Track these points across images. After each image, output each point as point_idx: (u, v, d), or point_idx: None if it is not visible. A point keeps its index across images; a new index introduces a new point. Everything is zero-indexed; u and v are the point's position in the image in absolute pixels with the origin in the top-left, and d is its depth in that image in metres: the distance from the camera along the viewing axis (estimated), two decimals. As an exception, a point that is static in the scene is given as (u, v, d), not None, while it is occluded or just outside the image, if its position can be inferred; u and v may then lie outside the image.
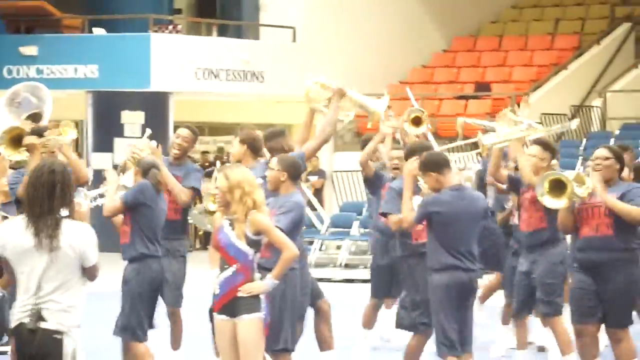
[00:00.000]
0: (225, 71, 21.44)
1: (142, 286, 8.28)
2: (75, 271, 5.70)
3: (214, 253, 7.30)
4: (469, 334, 7.89)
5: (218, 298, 6.94)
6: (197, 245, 21.56)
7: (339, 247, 18.77)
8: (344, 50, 22.66)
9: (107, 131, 20.42)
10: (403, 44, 23.73)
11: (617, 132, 21.02)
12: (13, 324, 5.71)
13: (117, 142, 19.84)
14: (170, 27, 21.63)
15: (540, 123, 21.70)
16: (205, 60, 21.21)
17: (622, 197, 8.06)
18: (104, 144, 20.34)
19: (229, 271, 6.86)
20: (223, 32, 22.83)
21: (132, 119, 20.40)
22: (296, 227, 7.72)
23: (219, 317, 6.94)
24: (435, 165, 7.86)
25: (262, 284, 6.89)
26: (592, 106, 22.16)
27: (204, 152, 24.06)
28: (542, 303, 8.76)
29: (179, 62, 20.86)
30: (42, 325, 5.60)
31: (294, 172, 7.90)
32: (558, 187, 8.00)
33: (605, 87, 22.29)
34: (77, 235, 5.70)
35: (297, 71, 22.07)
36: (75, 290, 5.70)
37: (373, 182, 9.92)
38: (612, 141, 20.45)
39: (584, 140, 20.37)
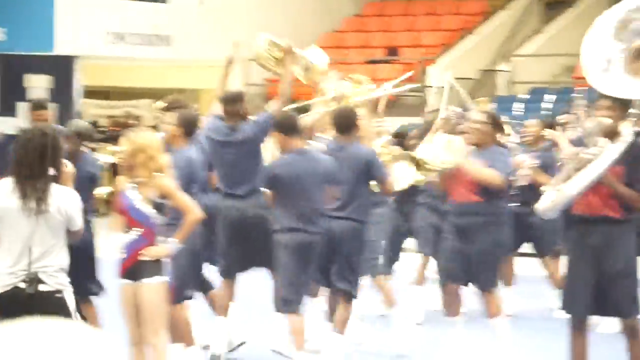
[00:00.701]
0: (132, 35, 21.10)
1: None
2: (62, 234, 5.80)
3: (115, 216, 7.16)
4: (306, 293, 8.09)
5: (123, 262, 6.83)
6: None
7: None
8: (253, 14, 22.41)
9: (11, 95, 19.98)
10: (313, 8, 23.56)
11: (523, 95, 21.13)
12: (2, 289, 5.73)
13: (21, 106, 19.41)
14: (75, -11, 21.20)
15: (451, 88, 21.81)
16: (111, 24, 20.84)
17: (489, 162, 8.07)
18: (7, 109, 19.90)
19: (133, 234, 6.74)
20: (129, -6, 22.45)
21: (37, 83, 19.99)
22: (188, 183, 7.52)
23: (122, 282, 6.82)
24: (282, 127, 7.97)
25: (165, 248, 6.79)
26: (500, 70, 22.25)
27: (111, 117, 23.68)
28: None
29: (85, 25, 20.45)
30: (42, 288, 5.71)
31: (189, 128, 7.99)
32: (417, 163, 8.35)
33: (513, 52, 22.38)
34: (65, 199, 5.79)
35: (204, 35, 21.81)
36: (64, 252, 5.81)
37: None
38: (518, 105, 20.64)
39: (491, 104, 20.36)
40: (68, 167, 6.18)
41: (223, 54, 24.57)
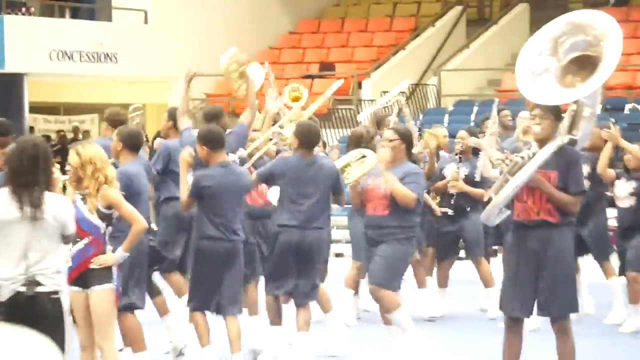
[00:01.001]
0: (79, 52, 21.03)
1: None
2: (57, 239, 5.88)
3: None
4: (231, 295, 8.10)
5: (71, 270, 6.84)
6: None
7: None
8: (194, 32, 22.46)
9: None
10: (251, 25, 23.62)
11: (451, 107, 21.34)
12: (4, 297, 5.77)
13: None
14: (23, 9, 21.09)
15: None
16: (59, 42, 20.73)
17: (402, 178, 8.27)
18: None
19: (81, 244, 6.75)
20: (75, 14, 22.38)
21: (-13, 100, 19.86)
22: (133, 196, 7.57)
23: (72, 289, 6.81)
24: (208, 141, 8.04)
25: (113, 256, 6.82)
26: (429, 84, 22.44)
27: (60, 131, 23.59)
28: None
29: (33, 43, 20.31)
30: (40, 289, 5.77)
31: (130, 142, 8.07)
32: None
33: (440, 66, 22.57)
34: (58, 206, 5.86)
35: (149, 52, 21.81)
36: (59, 255, 5.90)
37: None
38: (446, 117, 20.83)
39: (421, 116, 20.62)
40: (56, 173, 6.25)
41: (165, 70, 24.65)
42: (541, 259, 6.92)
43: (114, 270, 6.85)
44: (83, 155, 6.77)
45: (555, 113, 6.97)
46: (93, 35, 21.17)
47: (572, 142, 7.00)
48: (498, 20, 23.55)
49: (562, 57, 7.02)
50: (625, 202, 9.79)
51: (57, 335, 5.70)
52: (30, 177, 5.78)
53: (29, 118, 20.70)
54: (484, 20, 24.27)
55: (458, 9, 24.00)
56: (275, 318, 8.47)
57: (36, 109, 22.48)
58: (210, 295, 8.03)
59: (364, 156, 8.56)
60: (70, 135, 23.09)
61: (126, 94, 23.63)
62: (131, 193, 7.56)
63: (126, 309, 7.80)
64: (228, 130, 8.79)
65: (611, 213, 10.52)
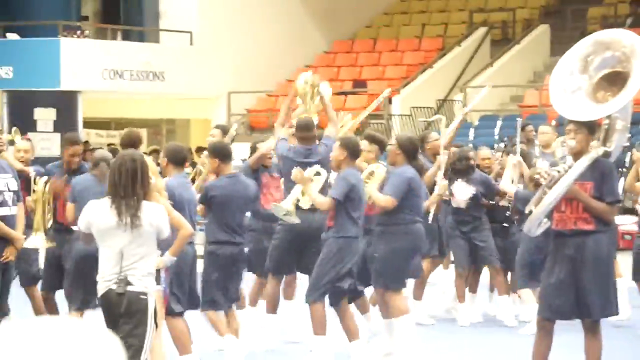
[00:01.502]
0: (129, 72, 21.10)
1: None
2: (153, 243, 6.03)
3: None
4: (234, 294, 8.31)
5: None
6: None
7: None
8: (236, 52, 22.50)
9: (21, 127, 19.91)
10: (289, 46, 23.64)
11: (476, 122, 21.25)
12: (100, 292, 6.00)
13: (31, 136, 19.38)
14: (79, 32, 21.24)
15: (409, 115, 22.01)
16: (110, 62, 20.83)
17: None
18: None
19: None
20: (126, 36, 22.47)
21: (44, 116, 19.92)
22: (175, 206, 7.50)
23: None
24: (218, 154, 8.22)
25: (161, 260, 6.78)
26: (455, 100, 22.35)
27: (110, 144, 23.68)
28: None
29: (87, 63, 20.41)
30: (130, 288, 5.92)
31: (175, 158, 8.02)
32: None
33: (466, 83, 22.47)
34: (154, 213, 6.02)
35: (194, 71, 21.88)
36: (153, 259, 6.04)
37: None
38: (472, 131, 20.74)
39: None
40: (152, 180, 6.37)
41: (209, 88, 24.76)
42: (578, 264, 6.86)
43: (162, 273, 6.80)
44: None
45: (588, 127, 6.89)
46: (142, 55, 21.25)
47: (606, 155, 6.92)
48: (520, 40, 23.42)
49: (593, 75, 6.93)
50: None
51: (139, 331, 5.90)
52: (128, 189, 5.96)
53: (83, 132, 20.80)
54: (507, 40, 24.14)
55: (483, 30, 23.89)
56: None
57: (89, 124, 22.56)
58: (221, 294, 8.14)
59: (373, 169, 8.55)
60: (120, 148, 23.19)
61: (172, 110, 23.71)
62: (174, 204, 7.57)
63: (173, 312, 7.75)
64: (317, 142, 8.94)
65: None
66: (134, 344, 5.88)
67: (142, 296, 5.95)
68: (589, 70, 6.94)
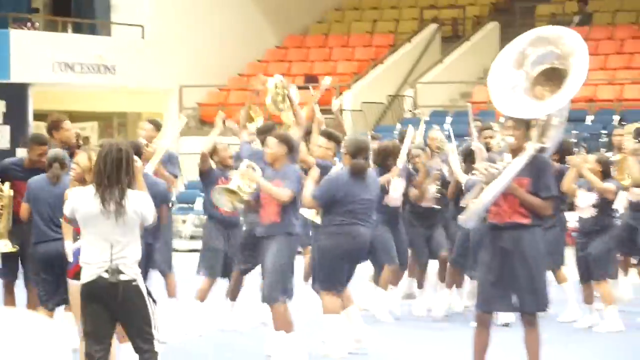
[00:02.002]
0: (80, 64, 20.95)
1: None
2: (137, 230, 6.13)
3: (67, 225, 7.14)
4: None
5: (72, 266, 6.80)
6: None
7: (184, 221, 18.59)
8: (188, 46, 22.39)
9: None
10: (241, 40, 23.58)
11: (426, 118, 21.34)
12: (87, 279, 6.08)
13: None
14: (29, 24, 21.02)
15: (361, 110, 22.06)
16: (61, 55, 20.63)
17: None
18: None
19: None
20: (78, 29, 22.29)
21: (-6, 108, 19.82)
22: None
23: (73, 282, 6.77)
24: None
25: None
26: (405, 96, 22.46)
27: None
28: None
29: (37, 56, 20.21)
30: (122, 277, 6.04)
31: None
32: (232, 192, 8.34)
33: (416, 79, 22.60)
34: (138, 201, 6.10)
35: (145, 65, 21.75)
36: (138, 245, 6.15)
37: (205, 176, 9.56)
38: (421, 125, 20.74)
39: (398, 125, 20.61)
40: (138, 163, 6.42)
41: (161, 81, 24.62)
42: (514, 257, 6.95)
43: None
44: (93, 160, 6.72)
45: (526, 123, 6.98)
46: (93, 48, 21.10)
47: (542, 150, 7.01)
48: (470, 37, 23.58)
49: (529, 70, 7.01)
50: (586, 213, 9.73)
51: (139, 316, 6.10)
52: (113, 178, 6.02)
53: (33, 125, 20.59)
54: (457, 37, 24.29)
55: (433, 26, 24.00)
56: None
57: (40, 116, 22.34)
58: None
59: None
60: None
61: (124, 104, 23.56)
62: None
63: None
64: None
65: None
66: (143, 327, 6.10)
67: (134, 283, 6.09)
68: (526, 64, 7.00)
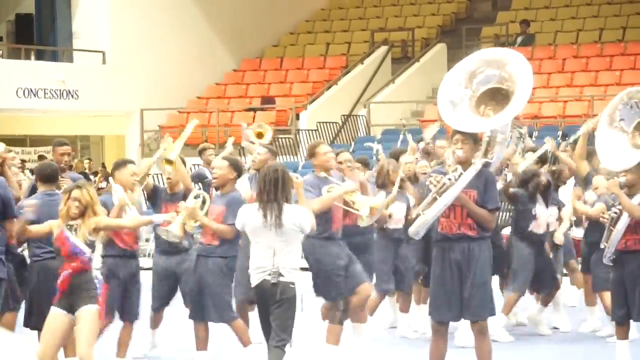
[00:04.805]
0: (43, 90, 20.88)
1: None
2: (297, 239, 6.88)
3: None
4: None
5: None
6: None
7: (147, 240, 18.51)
8: (148, 71, 22.39)
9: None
10: (199, 64, 23.60)
11: (379, 136, 21.44)
12: (254, 282, 6.85)
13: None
14: (-8, 52, 20.93)
15: (316, 130, 22.12)
16: (25, 81, 20.61)
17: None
18: None
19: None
20: (40, 56, 22.25)
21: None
22: None
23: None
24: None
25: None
26: (359, 115, 22.56)
27: (23, 161, 23.32)
28: None
29: (1, 82, 20.17)
30: (281, 279, 6.79)
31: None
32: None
33: (369, 99, 22.71)
34: (295, 214, 6.83)
35: (107, 89, 21.71)
36: (298, 252, 6.90)
37: (150, 196, 9.14)
38: (375, 143, 20.81)
39: (353, 144, 20.70)
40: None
41: (122, 105, 24.56)
42: (463, 268, 7.05)
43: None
44: (94, 199, 6.97)
45: (474, 138, 7.15)
46: (56, 74, 21.07)
47: (487, 165, 7.17)
48: (419, 58, 23.77)
49: (475, 89, 7.17)
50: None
51: (289, 314, 6.81)
52: (272, 195, 6.76)
53: (-2, 149, 20.43)
54: (407, 58, 24.47)
55: (384, 48, 24.18)
56: None
57: (5, 140, 22.12)
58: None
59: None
60: (34, 165, 22.82)
61: (86, 127, 23.47)
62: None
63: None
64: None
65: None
66: (286, 323, 6.79)
67: (291, 285, 6.81)
68: (473, 83, 7.20)
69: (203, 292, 8.13)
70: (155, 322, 9.18)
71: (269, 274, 6.75)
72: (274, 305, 6.75)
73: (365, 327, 8.67)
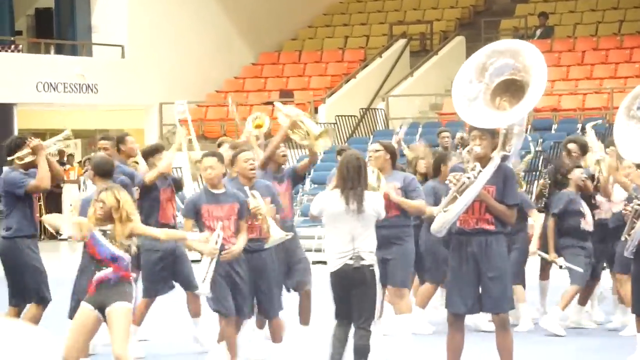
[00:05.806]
0: (63, 84, 20.92)
1: None
2: (373, 224, 7.10)
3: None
4: None
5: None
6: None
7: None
8: (167, 65, 22.40)
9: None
10: (217, 58, 23.60)
11: (398, 129, 21.36)
12: (335, 267, 7.05)
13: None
14: (12, 46, 20.98)
15: (335, 124, 22.07)
16: (44, 75, 20.65)
17: (403, 188, 8.28)
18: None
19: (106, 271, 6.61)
20: (59, 50, 22.28)
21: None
22: None
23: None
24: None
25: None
26: (377, 108, 22.50)
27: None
28: None
29: (21, 77, 20.23)
30: (362, 263, 7.01)
31: (99, 170, 8.13)
32: None
33: (387, 93, 22.65)
34: (374, 200, 7.10)
35: (126, 83, 21.74)
36: (374, 236, 7.10)
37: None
38: (394, 137, 20.79)
39: (371, 137, 20.65)
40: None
41: (141, 99, 24.59)
42: (481, 262, 7.03)
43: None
44: (122, 202, 6.55)
45: (491, 132, 7.08)
46: (75, 68, 21.10)
47: (505, 158, 7.10)
48: (438, 51, 23.68)
49: (489, 81, 7.10)
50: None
51: (370, 296, 7.04)
52: (355, 182, 6.99)
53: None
54: (426, 51, 24.39)
55: (402, 41, 24.10)
56: None
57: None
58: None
59: None
60: (55, 158, 22.86)
61: (106, 121, 23.51)
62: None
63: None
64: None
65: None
66: (370, 304, 7.02)
67: (371, 267, 7.04)
68: (486, 76, 7.11)
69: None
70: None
71: (351, 258, 6.98)
72: (357, 287, 6.99)
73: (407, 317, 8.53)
